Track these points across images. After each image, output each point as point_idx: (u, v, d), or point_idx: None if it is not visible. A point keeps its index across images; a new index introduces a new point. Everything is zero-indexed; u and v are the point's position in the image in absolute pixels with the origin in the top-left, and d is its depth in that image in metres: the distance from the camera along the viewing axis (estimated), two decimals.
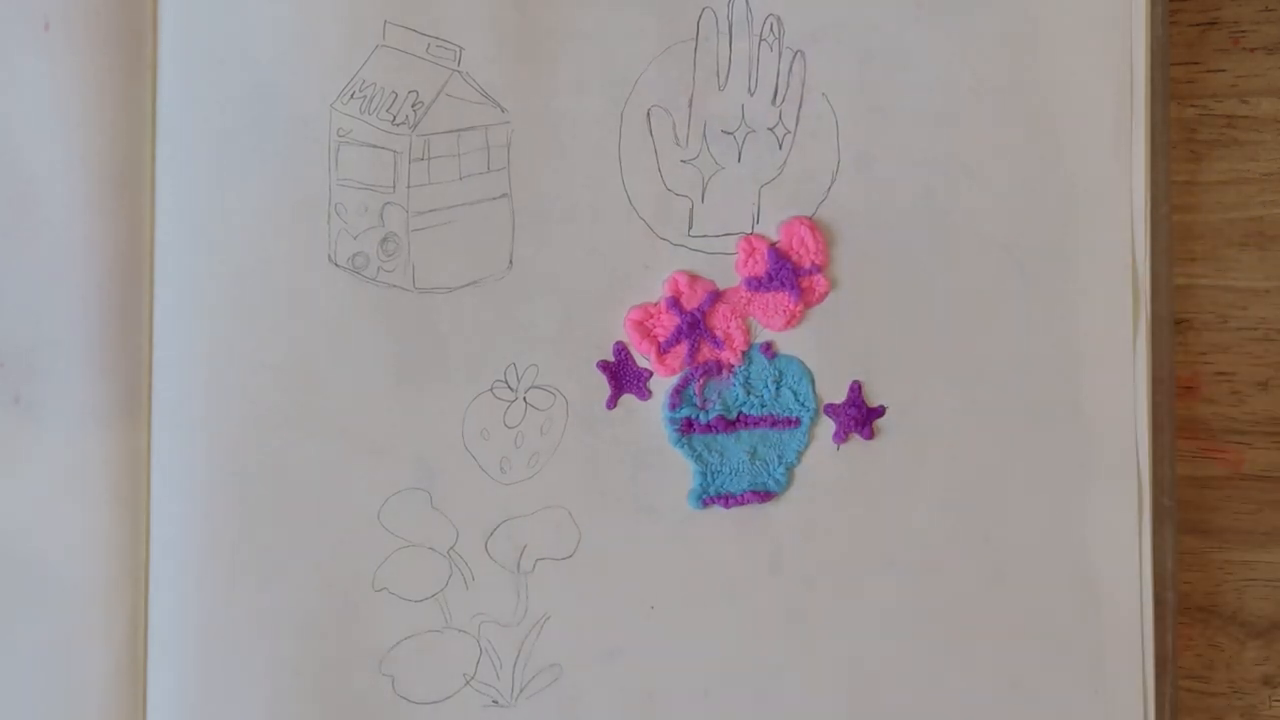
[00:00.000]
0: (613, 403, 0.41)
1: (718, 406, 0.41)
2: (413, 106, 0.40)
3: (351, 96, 0.40)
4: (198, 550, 0.40)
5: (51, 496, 0.39)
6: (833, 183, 0.42)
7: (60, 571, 0.39)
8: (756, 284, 0.41)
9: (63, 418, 0.39)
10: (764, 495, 0.41)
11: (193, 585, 0.40)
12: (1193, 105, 0.45)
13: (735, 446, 0.41)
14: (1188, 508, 0.45)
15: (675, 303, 0.41)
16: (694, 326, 0.41)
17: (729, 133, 0.42)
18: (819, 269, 0.41)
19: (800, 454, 0.42)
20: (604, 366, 0.41)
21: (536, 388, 0.41)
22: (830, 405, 0.42)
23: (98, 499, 0.39)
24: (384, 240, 0.40)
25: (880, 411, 0.42)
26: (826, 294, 0.42)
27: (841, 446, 0.42)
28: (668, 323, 0.41)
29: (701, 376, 0.41)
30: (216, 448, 0.40)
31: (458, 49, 0.40)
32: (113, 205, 0.39)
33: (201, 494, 0.40)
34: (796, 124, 0.42)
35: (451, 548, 0.41)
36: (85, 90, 0.39)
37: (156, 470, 0.40)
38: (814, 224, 0.42)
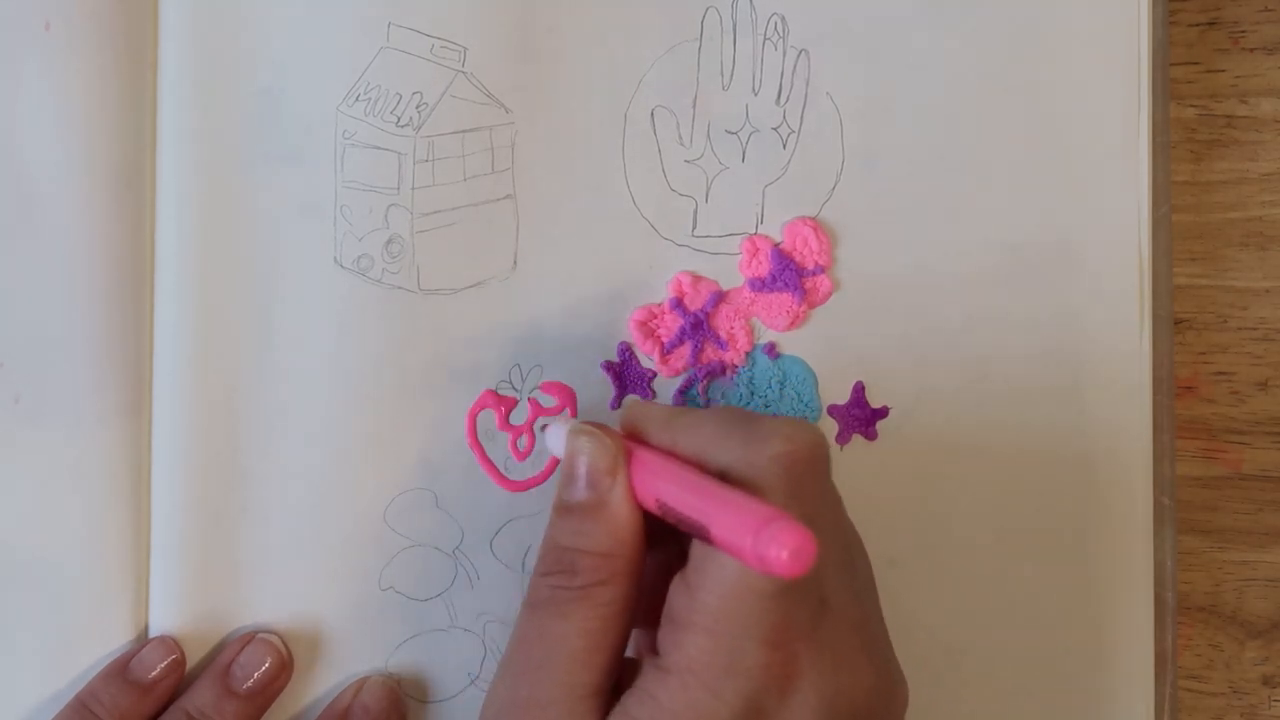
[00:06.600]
0: (617, 403, 0.41)
1: None
2: (417, 108, 0.40)
3: (357, 99, 0.40)
4: (198, 550, 0.40)
5: (52, 496, 0.39)
6: (837, 183, 0.42)
7: (60, 570, 0.39)
8: (760, 284, 0.41)
9: (63, 418, 0.39)
10: None
11: (193, 585, 0.40)
12: (1193, 105, 0.45)
13: None
14: (1188, 508, 0.45)
15: (679, 303, 0.41)
16: (697, 327, 0.41)
17: (733, 133, 0.41)
18: (823, 269, 0.41)
19: None
20: (608, 367, 0.41)
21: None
22: (834, 406, 0.42)
23: (98, 499, 0.39)
24: (389, 242, 0.40)
25: (884, 412, 0.42)
26: (830, 295, 0.42)
27: (845, 447, 0.42)
28: (671, 323, 0.41)
29: (705, 377, 0.41)
30: (218, 448, 0.40)
31: (462, 50, 0.40)
32: (113, 205, 0.39)
33: (203, 494, 0.40)
34: (801, 124, 0.42)
35: (457, 547, 0.41)
36: (85, 90, 0.39)
37: (157, 470, 0.40)
38: (818, 224, 0.41)
